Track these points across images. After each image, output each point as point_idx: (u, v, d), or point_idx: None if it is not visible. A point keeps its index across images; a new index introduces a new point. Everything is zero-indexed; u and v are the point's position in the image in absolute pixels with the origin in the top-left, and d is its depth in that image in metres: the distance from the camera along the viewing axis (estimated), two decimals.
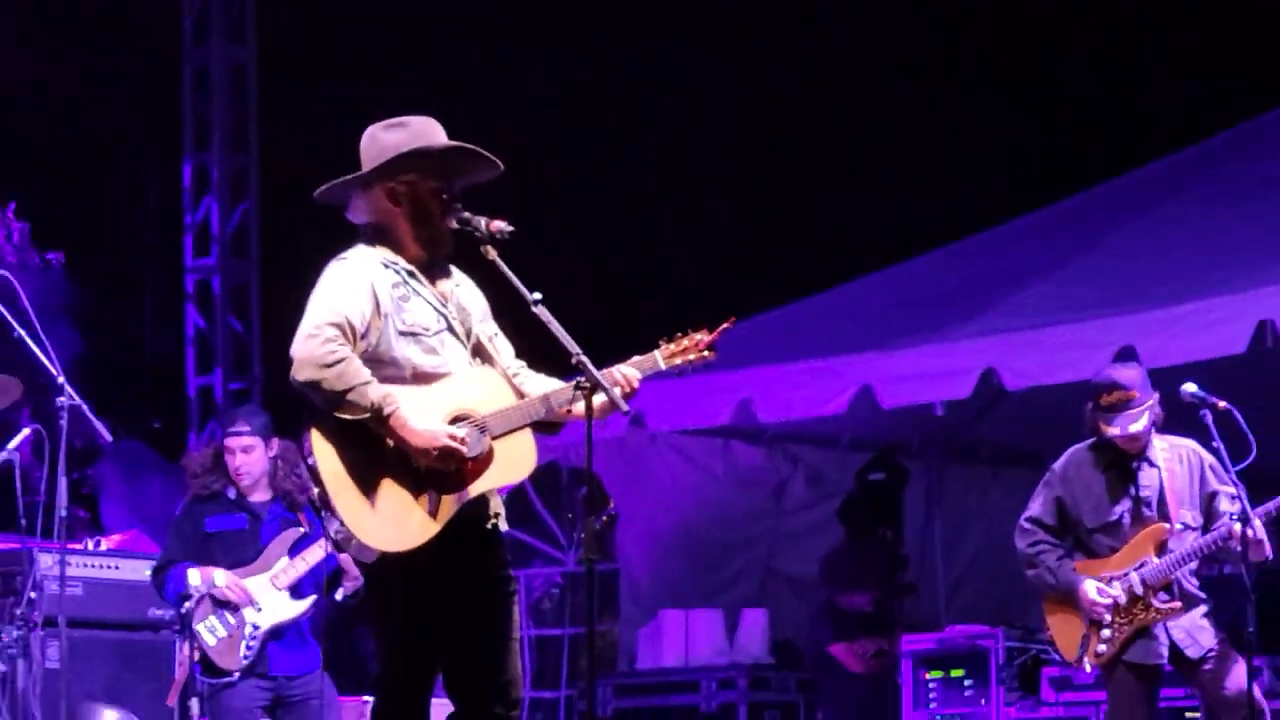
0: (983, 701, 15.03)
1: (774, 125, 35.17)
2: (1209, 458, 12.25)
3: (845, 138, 31.66)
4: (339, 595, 12.42)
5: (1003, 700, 14.90)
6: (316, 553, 12.36)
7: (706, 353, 8.88)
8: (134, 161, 21.82)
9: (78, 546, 13.45)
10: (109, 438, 13.37)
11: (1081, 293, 15.24)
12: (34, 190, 21.44)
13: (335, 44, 23.28)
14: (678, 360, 8.83)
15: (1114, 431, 12.23)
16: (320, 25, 22.98)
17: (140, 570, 13.58)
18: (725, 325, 9.04)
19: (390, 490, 8.59)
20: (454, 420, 8.54)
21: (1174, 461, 12.35)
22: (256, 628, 12.67)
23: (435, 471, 8.52)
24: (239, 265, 20.71)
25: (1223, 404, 12.19)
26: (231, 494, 12.99)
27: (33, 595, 13.08)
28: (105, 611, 13.51)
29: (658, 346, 8.83)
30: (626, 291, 28.00)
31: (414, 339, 8.65)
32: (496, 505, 8.78)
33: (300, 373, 8.38)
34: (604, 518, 8.87)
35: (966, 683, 15.17)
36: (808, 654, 16.75)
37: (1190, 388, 12.27)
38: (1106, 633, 12.21)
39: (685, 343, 8.83)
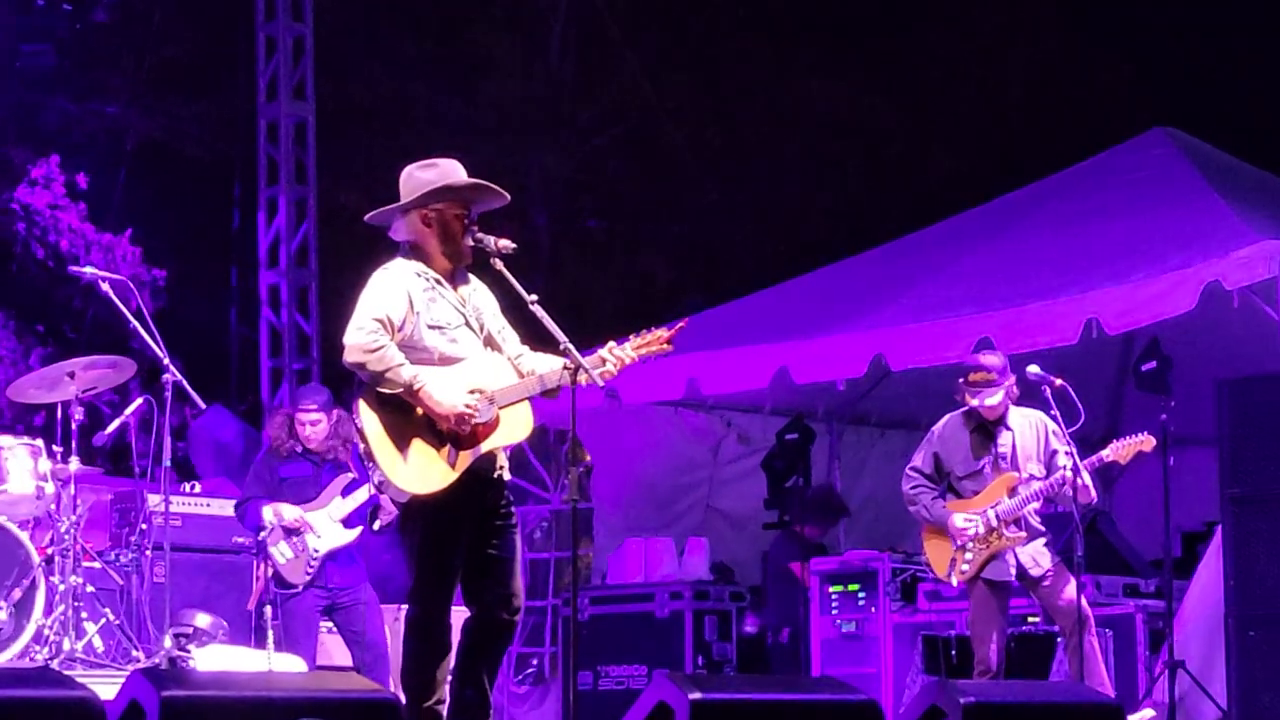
0: (872, 610, 15.10)
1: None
2: (1051, 424, 12.44)
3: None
4: (377, 526, 12.51)
5: (889, 609, 14.99)
6: (362, 494, 12.46)
7: (666, 345, 9.09)
8: (224, 193, 21.76)
9: (177, 489, 13.50)
10: (202, 405, 13.44)
11: (951, 295, 15.32)
12: (147, 218, 21.48)
13: (375, 103, 23.06)
14: (644, 351, 9.01)
15: (975, 403, 12.42)
16: (361, 88, 22.90)
17: (225, 507, 13.66)
18: (680, 325, 9.28)
19: (419, 447, 8.87)
20: (470, 394, 8.73)
21: (1024, 426, 12.56)
22: (317, 551, 12.77)
23: (454, 433, 8.76)
24: (301, 273, 20.65)
25: (1059, 381, 12.38)
26: (299, 449, 13.10)
27: (144, 526, 13.17)
28: (198, 539, 13.58)
29: (628, 339, 8.98)
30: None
31: (439, 331, 8.94)
32: (502, 459, 9.09)
33: (350, 356, 8.76)
34: (583, 468, 9.04)
35: (860, 595, 15.24)
36: (771, 567, 16.85)
37: (1034, 369, 12.47)
38: (969, 556, 12.38)
39: (649, 337, 9.04)
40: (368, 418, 8.85)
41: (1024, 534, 12.35)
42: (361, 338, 8.73)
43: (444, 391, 8.80)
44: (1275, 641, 11.01)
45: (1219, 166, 16.26)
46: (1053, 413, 12.52)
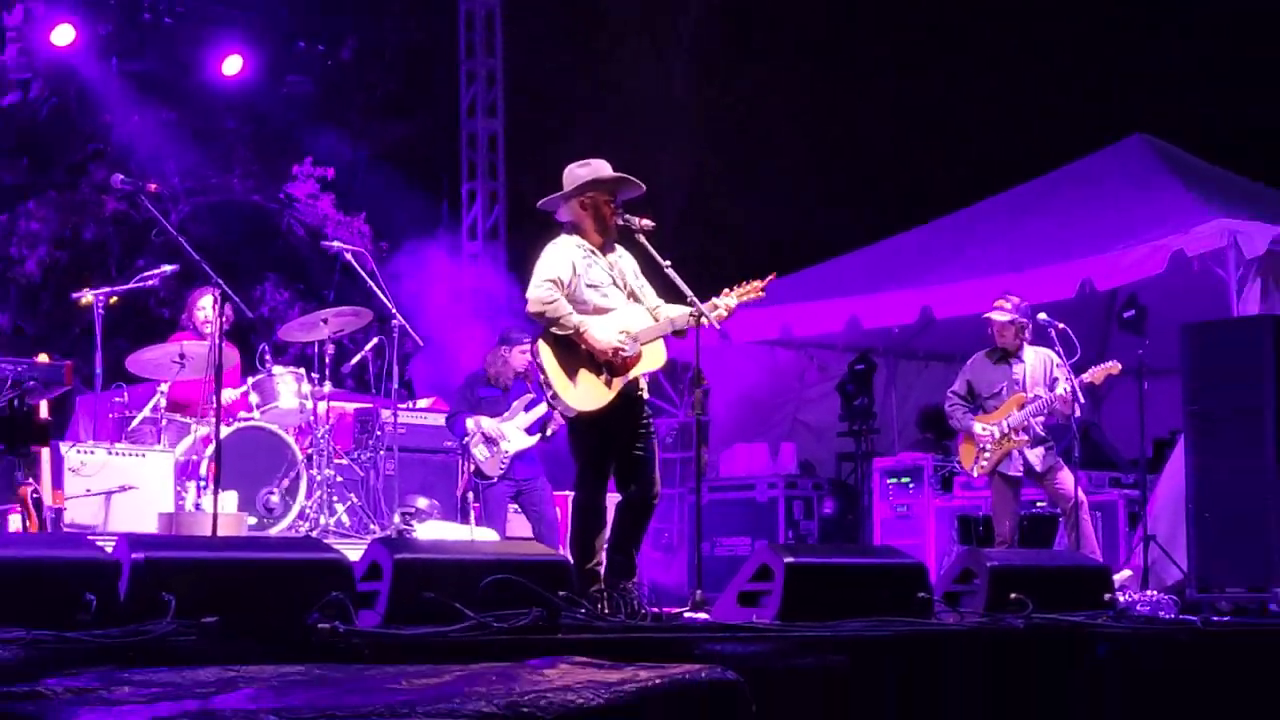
0: (919, 496, 15.13)
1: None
2: (1055, 357, 12.36)
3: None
4: (549, 433, 12.55)
5: (932, 496, 14.97)
6: (540, 409, 12.47)
7: (761, 293, 9.13)
8: (435, 187, 21.72)
9: (403, 405, 13.55)
10: (421, 343, 13.48)
11: (979, 261, 15.31)
12: (378, 205, 21.54)
13: (552, 118, 22.88)
14: (745, 297, 9.04)
15: (996, 337, 12.45)
16: (541, 106, 22.77)
17: (439, 419, 13.70)
18: (771, 277, 9.29)
19: (583, 375, 8.95)
20: (619, 335, 8.77)
21: (1034, 359, 12.50)
22: (507, 452, 12.78)
23: (609, 364, 8.76)
24: (494, 247, 20.73)
25: (1061, 325, 12.31)
26: (506, 376, 13.18)
27: (378, 433, 13.22)
28: (418, 442, 13.61)
29: (734, 289, 9.02)
30: None
31: (595, 289, 9.01)
32: (643, 383, 9.12)
33: (532, 308, 8.94)
34: (702, 390, 8.96)
35: (910, 485, 15.23)
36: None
37: (1042, 316, 12.44)
38: (987, 455, 12.35)
39: (748, 287, 9.08)
40: (545, 353, 8.98)
41: (1028, 438, 12.32)
42: (540, 293, 8.88)
43: (601, 332, 8.90)
44: (1223, 521, 10.94)
45: (1184, 165, 16.14)
46: (1056, 349, 12.46)
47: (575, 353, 8.91)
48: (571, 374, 8.94)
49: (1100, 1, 25.85)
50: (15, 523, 10.76)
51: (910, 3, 26.73)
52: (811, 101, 26.59)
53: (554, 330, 8.91)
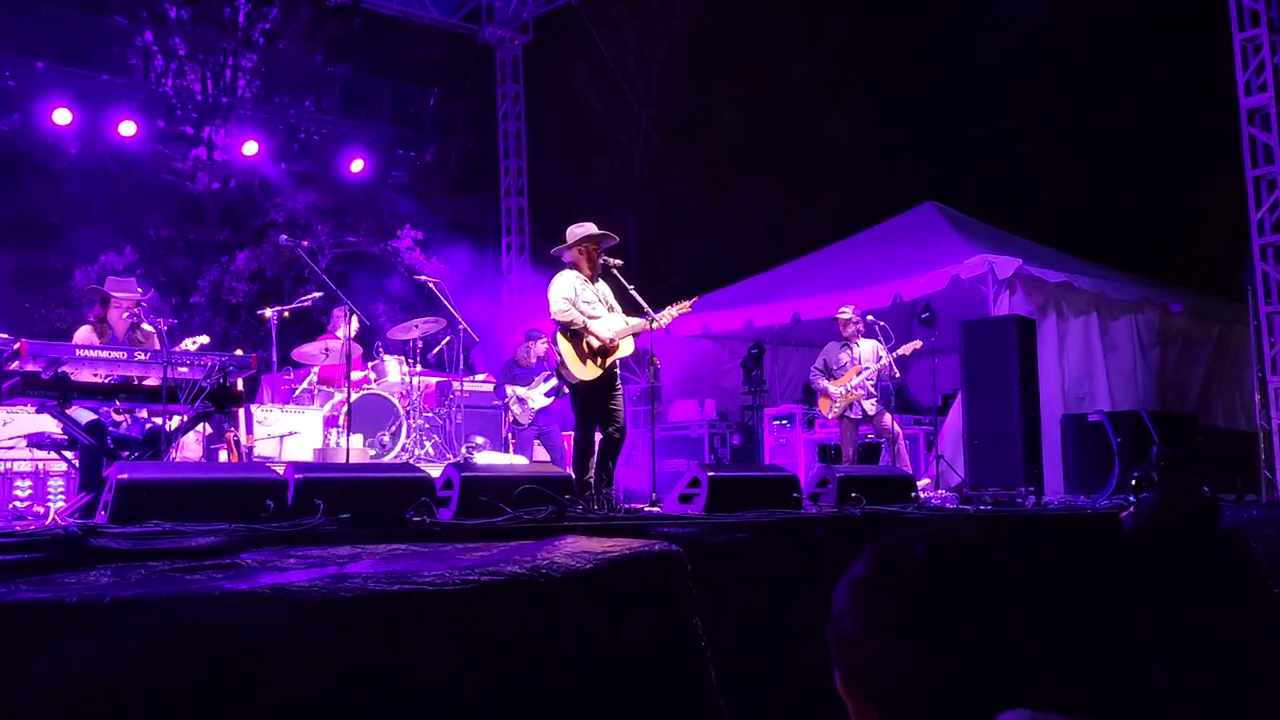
0: (793, 432, 15.09)
1: None
2: (879, 344, 12.40)
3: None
4: (561, 393, 12.54)
5: (801, 431, 14.95)
6: (553, 381, 12.48)
7: (689, 308, 9.32)
8: (485, 240, 21.64)
9: (467, 379, 13.50)
10: (477, 339, 13.42)
11: (827, 284, 15.34)
12: (448, 253, 21.48)
13: (556, 197, 22.76)
14: (680, 310, 9.17)
15: (841, 330, 12.45)
16: (550, 190, 22.57)
17: (489, 387, 13.65)
18: (695, 298, 9.55)
19: (583, 358, 8.87)
20: (607, 333, 8.81)
21: (866, 345, 12.51)
22: (532, 408, 12.77)
23: (600, 349, 8.81)
24: (522, 277, 20.66)
25: (882, 323, 12.35)
26: (528, 359, 13.16)
27: (451, 396, 13.16)
28: (477, 402, 13.45)
29: (673, 305, 9.08)
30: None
31: (588, 305, 9.10)
32: (616, 365, 9.02)
33: (556, 316, 9.00)
34: (655, 368, 8.98)
35: (787, 425, 15.20)
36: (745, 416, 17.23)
37: (870, 317, 12.52)
38: (835, 405, 12.34)
39: (682, 304, 9.20)
40: (561, 343, 9.01)
41: (863, 393, 12.31)
42: (560, 306, 8.95)
43: (600, 330, 8.95)
44: (986, 445, 10.97)
45: (958, 221, 16.14)
46: (879, 338, 12.49)
47: (579, 343, 8.97)
48: (576, 357, 8.99)
49: (906, 103, 25.87)
50: (223, 455, 10.79)
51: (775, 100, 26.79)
52: (718, 190, 26.64)
53: (570, 329, 8.98)
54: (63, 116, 16.56)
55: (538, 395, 12.86)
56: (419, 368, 12.94)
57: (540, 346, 13.15)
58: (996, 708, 1.81)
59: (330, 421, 11.92)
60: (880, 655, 1.86)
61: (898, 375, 12.71)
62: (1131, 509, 8.39)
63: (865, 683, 1.89)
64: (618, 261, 9.23)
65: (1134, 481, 11.21)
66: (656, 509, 8.05)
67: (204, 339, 8.97)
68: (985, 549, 1.90)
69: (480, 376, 14.16)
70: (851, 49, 26.85)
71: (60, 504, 8.53)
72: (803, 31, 26.33)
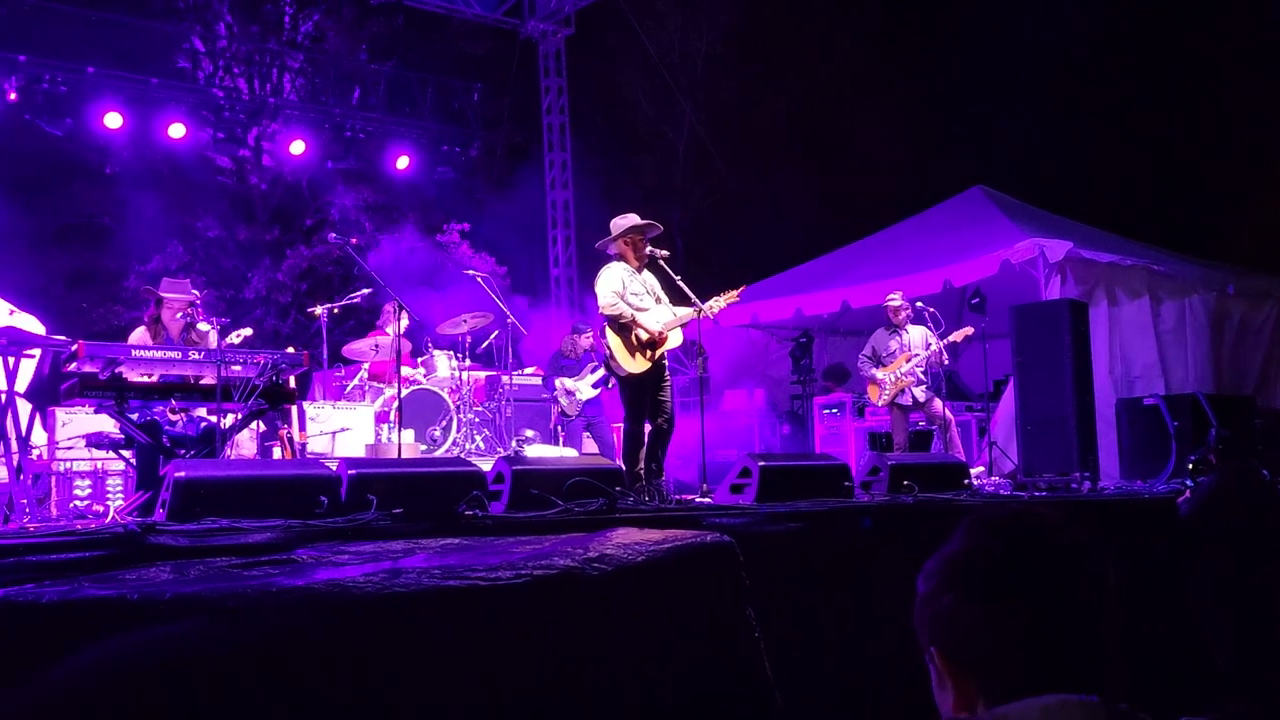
0: (843, 420, 15.04)
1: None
2: (928, 331, 12.37)
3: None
4: (608, 386, 12.54)
5: (852, 420, 14.89)
6: (601, 371, 12.48)
7: (737, 298, 9.23)
8: (531, 233, 21.66)
9: (516, 372, 13.53)
10: (525, 332, 13.46)
11: (877, 271, 15.25)
12: (495, 247, 21.52)
13: (601, 189, 22.71)
14: (729, 300, 9.11)
15: (890, 318, 12.42)
16: (595, 181, 22.61)
17: (537, 380, 13.67)
18: (743, 287, 9.44)
19: (631, 350, 8.89)
20: (655, 325, 8.81)
21: (915, 332, 12.52)
22: (580, 400, 12.80)
23: (649, 342, 8.82)
24: (569, 270, 20.70)
25: (931, 309, 12.29)
26: (575, 352, 13.17)
27: (501, 390, 13.21)
28: (526, 395, 13.50)
29: (721, 295, 9.04)
30: None
31: (636, 296, 9.14)
32: (665, 357, 9.03)
33: (604, 310, 9.07)
34: (703, 358, 8.96)
35: (837, 414, 15.15)
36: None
37: (919, 303, 12.44)
38: (885, 393, 12.32)
39: (730, 294, 9.14)
40: (610, 336, 9.06)
41: (913, 380, 12.29)
42: (608, 299, 9.00)
43: (649, 322, 8.99)
44: (1040, 431, 10.89)
45: (1007, 204, 16.03)
46: (929, 324, 12.44)
47: (627, 336, 8.97)
48: (625, 350, 8.99)
49: (953, 86, 25.63)
50: (277, 452, 10.86)
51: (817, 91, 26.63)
52: (764, 179, 26.54)
53: (618, 321, 8.99)
54: (113, 120, 16.75)
55: (585, 387, 12.88)
56: (468, 362, 13.00)
57: (585, 339, 13.17)
58: (1089, 684, 1.85)
59: (381, 417, 11.98)
60: (978, 625, 1.89)
61: (947, 361, 12.65)
62: (1188, 494, 8.30)
63: (963, 656, 1.92)
64: (665, 252, 9.21)
65: (1191, 465, 11.09)
66: (707, 499, 8.04)
67: (247, 331, 9.06)
68: (1076, 527, 1.95)
69: (529, 370, 14.19)
70: (895, 33, 26.68)
71: (119, 502, 8.62)
72: (846, 17, 26.14)
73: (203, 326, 8.43)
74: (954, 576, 1.94)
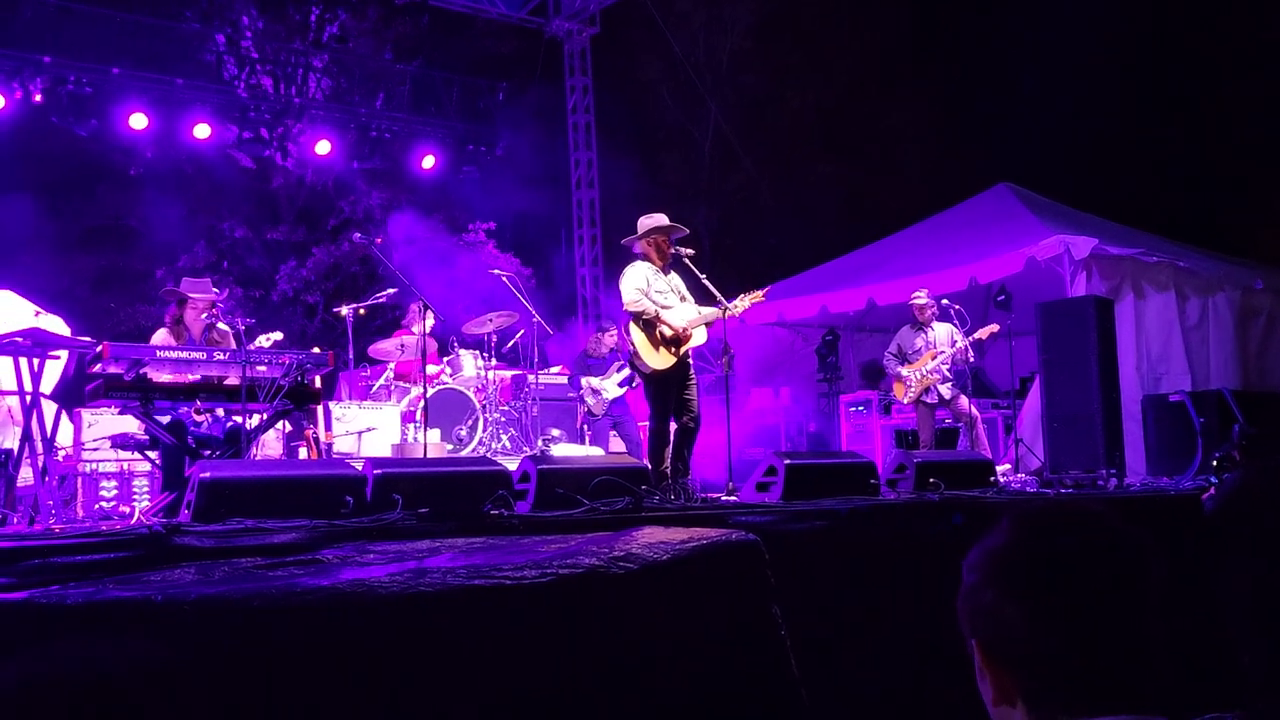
0: (869, 418, 15.03)
1: None
2: (954, 328, 12.32)
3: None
4: (633, 384, 12.54)
5: (878, 417, 14.88)
6: (627, 370, 12.47)
7: (761, 297, 9.21)
8: (557, 232, 21.69)
9: (542, 371, 13.53)
10: (551, 331, 13.46)
11: (902, 269, 15.20)
12: (521, 246, 21.50)
13: (627, 190, 22.65)
14: (753, 299, 9.08)
15: (916, 315, 12.39)
16: (621, 181, 22.54)
17: (563, 379, 13.66)
18: (768, 287, 9.50)
19: (656, 347, 8.89)
20: (680, 322, 8.82)
21: (940, 329, 12.48)
22: (606, 398, 12.80)
23: (673, 338, 8.82)
24: (595, 270, 20.68)
25: (957, 306, 12.25)
26: (600, 350, 13.17)
27: (526, 389, 13.21)
28: (551, 394, 13.50)
29: (746, 294, 9.04)
30: None
31: (661, 294, 9.16)
32: (689, 354, 9.05)
33: (629, 307, 9.11)
34: (729, 356, 8.95)
35: (863, 411, 15.14)
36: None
37: (945, 301, 12.38)
38: (911, 390, 12.29)
39: (755, 294, 9.14)
40: (635, 333, 9.09)
41: (939, 378, 12.26)
42: (633, 297, 9.04)
43: (674, 319, 9.03)
44: (1066, 427, 10.85)
45: (1033, 201, 15.97)
46: (954, 321, 12.40)
47: (651, 332, 8.99)
48: (649, 346, 9.01)
49: (977, 84, 25.56)
50: (303, 453, 10.91)
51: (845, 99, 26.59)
52: (789, 178, 26.50)
53: (642, 319, 9.03)
54: (139, 121, 16.80)
55: (611, 385, 12.87)
56: (494, 361, 13.01)
57: (610, 337, 13.18)
58: (1133, 688, 1.83)
59: (407, 417, 12.00)
60: (1019, 623, 1.87)
61: (974, 358, 12.60)
62: (1213, 490, 8.26)
63: (1005, 653, 1.90)
64: (690, 251, 9.21)
65: (1216, 462, 11.04)
66: (733, 498, 8.03)
67: (277, 335, 9.07)
68: (1123, 521, 1.93)
69: (555, 369, 14.19)
70: (920, 31, 26.60)
71: (145, 503, 8.66)
72: (871, 15, 26.09)
73: (224, 327, 8.46)
74: (996, 572, 1.92)
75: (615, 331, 13.13)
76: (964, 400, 12.32)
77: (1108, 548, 1.89)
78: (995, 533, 1.97)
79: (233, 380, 7.51)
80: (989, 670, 1.93)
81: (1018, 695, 1.89)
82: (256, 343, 8.54)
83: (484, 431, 12.39)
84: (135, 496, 9.55)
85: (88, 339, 7.57)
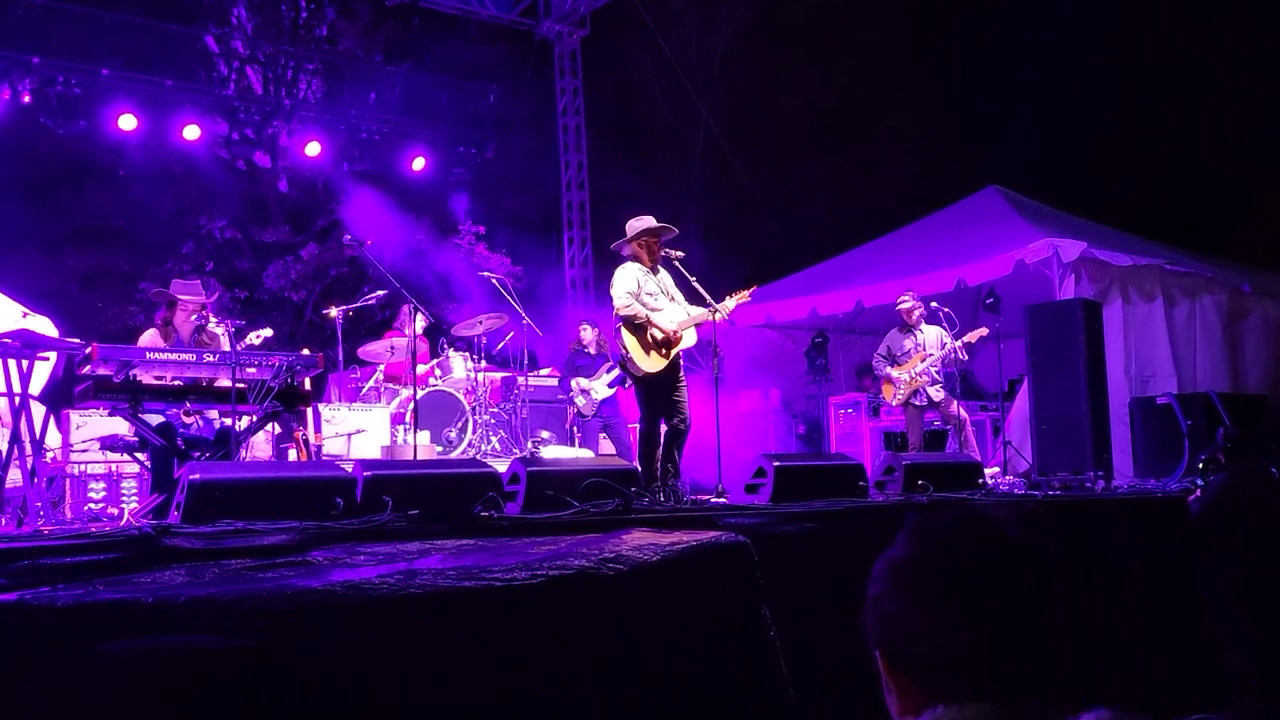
0: (858, 420, 15.04)
1: None
2: (942, 330, 12.33)
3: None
4: (625, 385, 12.55)
5: (867, 419, 14.89)
6: (617, 370, 12.48)
7: (748, 297, 9.26)
8: (546, 234, 21.68)
9: (531, 373, 13.53)
10: (541, 333, 13.46)
11: (890, 271, 15.23)
12: (512, 247, 21.48)
13: (615, 191, 22.64)
14: (740, 300, 9.16)
15: (904, 318, 12.41)
16: (609, 184, 22.54)
17: (553, 381, 13.67)
18: (754, 287, 9.54)
19: (647, 349, 8.91)
20: (670, 324, 8.85)
21: (929, 331, 12.47)
22: (596, 399, 12.79)
23: (664, 341, 8.82)
24: (584, 272, 20.69)
25: (945, 309, 12.26)
26: (589, 351, 13.18)
27: (516, 391, 13.20)
28: (541, 396, 13.46)
29: (734, 295, 9.08)
30: None
31: (651, 296, 9.17)
32: (680, 356, 9.07)
33: (619, 310, 9.12)
34: (719, 358, 8.95)
35: (852, 413, 15.15)
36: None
37: (933, 303, 12.40)
38: (900, 392, 12.30)
39: (742, 294, 9.19)
40: (626, 336, 9.11)
41: (927, 380, 12.28)
42: (623, 300, 9.06)
43: (664, 322, 9.06)
44: (1053, 430, 10.89)
45: (1021, 204, 15.98)
46: (943, 324, 12.42)
47: (642, 335, 9.00)
48: (641, 349, 9.02)
49: (967, 87, 25.60)
50: (292, 454, 10.90)
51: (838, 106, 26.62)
52: (780, 180, 26.52)
53: (633, 321, 9.04)
54: (128, 122, 16.78)
55: (600, 386, 12.88)
56: (484, 363, 13.01)
57: (590, 332, 13.23)
58: (1047, 690, 1.86)
59: (397, 419, 12.01)
60: (924, 631, 1.90)
61: (965, 359, 12.63)
62: (1199, 492, 8.29)
63: (909, 661, 1.93)
64: (679, 253, 9.25)
65: (1201, 464, 11.09)
66: (722, 500, 8.05)
67: (267, 332, 9.05)
68: (1023, 528, 1.96)
69: (544, 371, 14.20)
70: (911, 34, 26.63)
71: (134, 505, 8.65)
72: (862, 17, 26.11)
73: (214, 328, 8.46)
74: (901, 582, 1.95)
75: (595, 328, 13.20)
76: (954, 403, 12.34)
77: (1007, 552, 1.92)
78: (896, 544, 2.02)
79: (222, 382, 7.51)
80: (894, 681, 1.97)
81: (923, 704, 1.91)
82: (246, 340, 8.53)
83: (474, 433, 12.39)
84: (124, 498, 9.54)
85: (76, 340, 7.55)
